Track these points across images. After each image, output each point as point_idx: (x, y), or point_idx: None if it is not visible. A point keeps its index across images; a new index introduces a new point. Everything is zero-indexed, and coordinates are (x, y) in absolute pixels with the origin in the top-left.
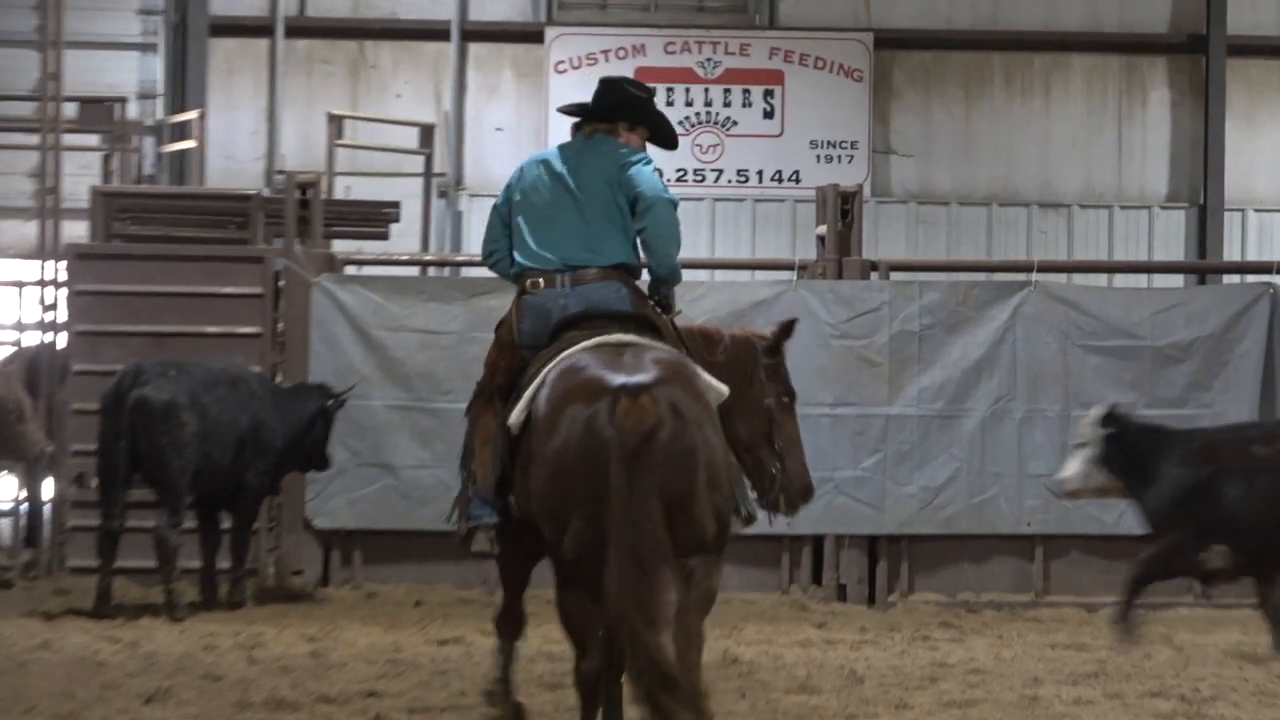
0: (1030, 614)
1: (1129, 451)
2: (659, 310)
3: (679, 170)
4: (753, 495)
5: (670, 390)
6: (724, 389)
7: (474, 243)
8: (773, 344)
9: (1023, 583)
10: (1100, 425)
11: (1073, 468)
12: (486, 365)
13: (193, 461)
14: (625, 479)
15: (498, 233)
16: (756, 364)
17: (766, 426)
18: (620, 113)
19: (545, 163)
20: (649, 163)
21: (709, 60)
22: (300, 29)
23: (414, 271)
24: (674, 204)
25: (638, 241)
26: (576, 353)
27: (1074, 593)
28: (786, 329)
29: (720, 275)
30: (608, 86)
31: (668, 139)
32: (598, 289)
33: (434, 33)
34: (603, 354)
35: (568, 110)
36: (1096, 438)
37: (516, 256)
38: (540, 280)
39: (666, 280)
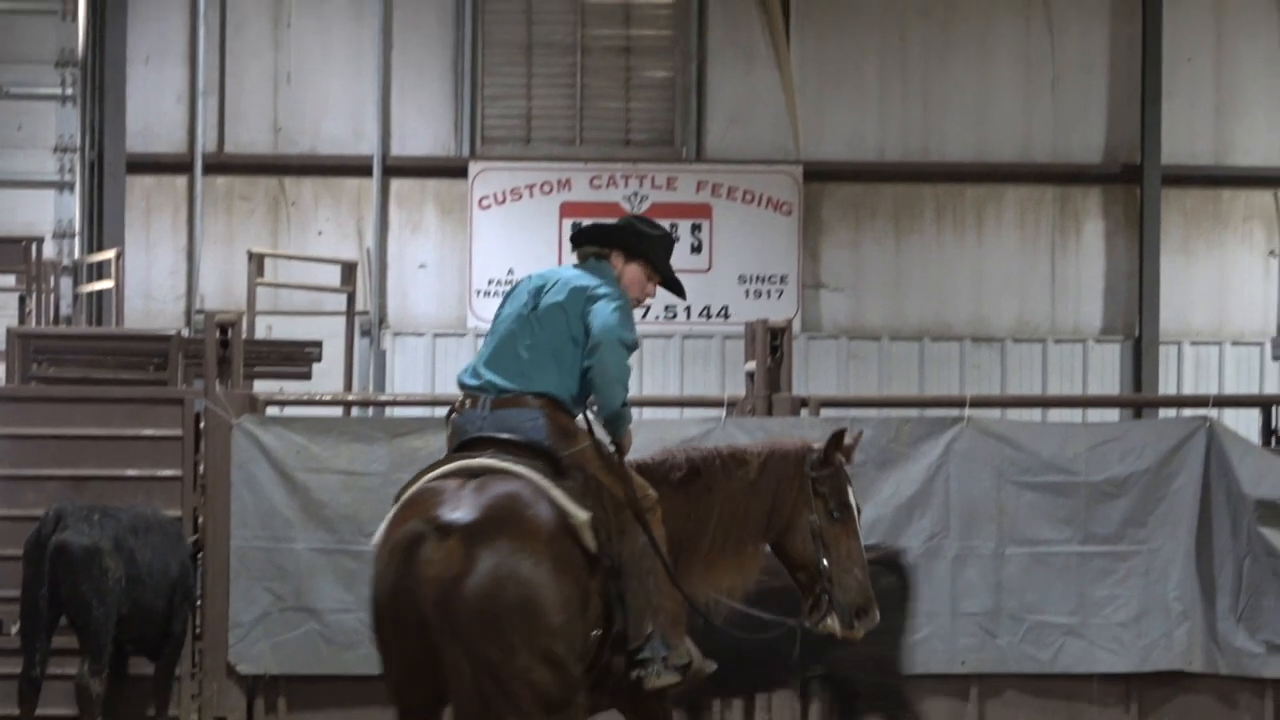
0: None
1: None
2: (596, 446)
3: None
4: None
5: (486, 532)
6: (580, 515)
7: (398, 382)
8: (823, 456)
9: None
10: None
11: None
12: None
13: (116, 608)
14: (434, 631)
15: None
16: (797, 479)
17: (811, 544)
18: (615, 240)
19: (532, 280)
20: (616, 298)
21: (635, 194)
22: (219, 166)
23: (337, 412)
24: (626, 345)
25: (584, 375)
26: (432, 478)
27: None
28: (836, 440)
29: (649, 412)
30: (625, 220)
31: (671, 282)
32: (512, 415)
33: (355, 168)
34: (448, 483)
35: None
36: None
37: (461, 375)
38: (468, 401)
39: (610, 422)
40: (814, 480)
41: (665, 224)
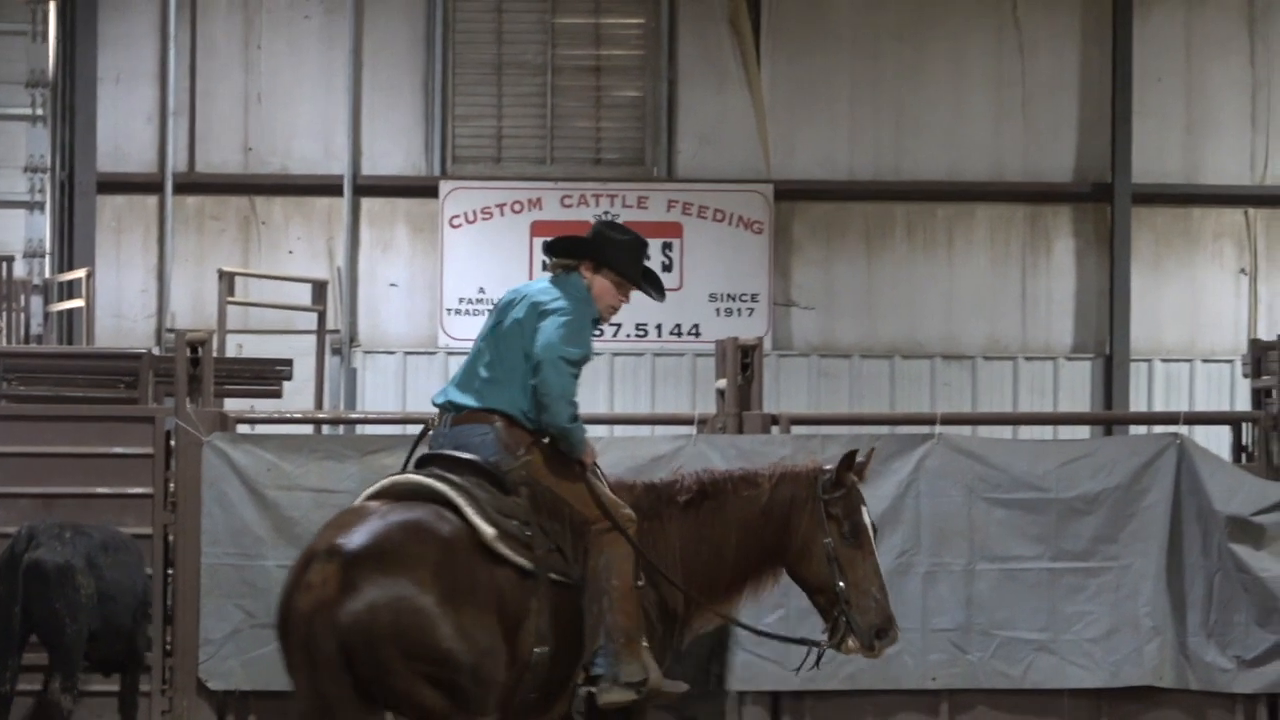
0: None
1: None
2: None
3: None
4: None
5: (367, 560)
6: (489, 531)
7: (368, 400)
8: (835, 478)
9: None
10: None
11: None
12: None
13: (87, 625)
14: (305, 654)
15: None
16: (810, 501)
17: (827, 567)
18: (583, 251)
19: (504, 297)
20: (566, 313)
21: (606, 213)
22: (190, 185)
23: (308, 430)
24: (569, 360)
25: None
26: (364, 498)
27: None
28: (847, 461)
29: (619, 430)
30: (594, 227)
31: (643, 286)
32: (466, 431)
33: (326, 188)
34: (370, 505)
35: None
36: None
37: (434, 395)
38: (438, 420)
39: (560, 439)
40: (826, 503)
41: None
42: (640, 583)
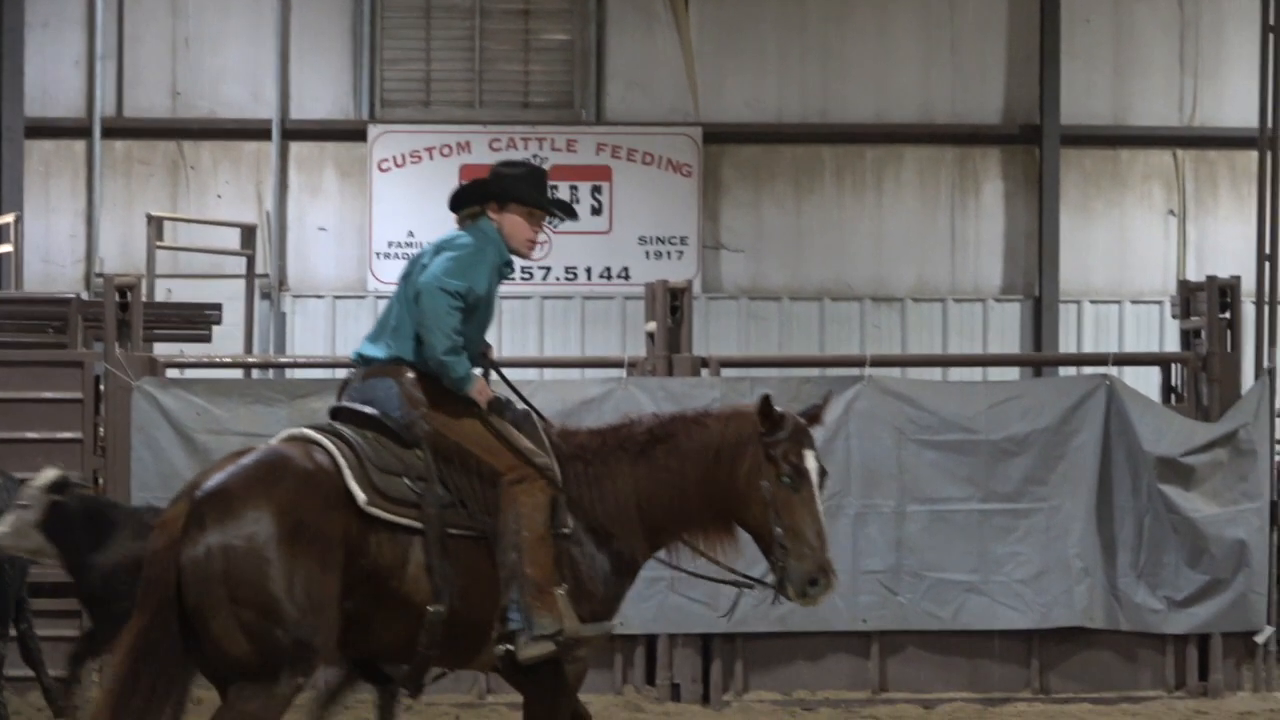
0: (867, 711)
1: (72, 521)
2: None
3: None
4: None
5: (215, 503)
6: (358, 494)
7: (298, 344)
8: (772, 421)
9: (859, 680)
10: (48, 490)
11: (6, 524)
12: None
13: (22, 570)
14: (147, 592)
15: None
16: (750, 443)
17: (763, 510)
18: (484, 193)
19: (425, 248)
20: (456, 249)
21: (535, 156)
22: (118, 130)
23: (237, 374)
24: (448, 291)
25: None
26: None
27: (911, 689)
28: (765, 406)
29: (549, 374)
30: (490, 172)
31: (560, 209)
32: (372, 385)
33: (254, 132)
34: (250, 452)
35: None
36: (42, 502)
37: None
38: (353, 374)
39: (440, 372)
40: (767, 445)
41: (565, 186)
42: (567, 530)
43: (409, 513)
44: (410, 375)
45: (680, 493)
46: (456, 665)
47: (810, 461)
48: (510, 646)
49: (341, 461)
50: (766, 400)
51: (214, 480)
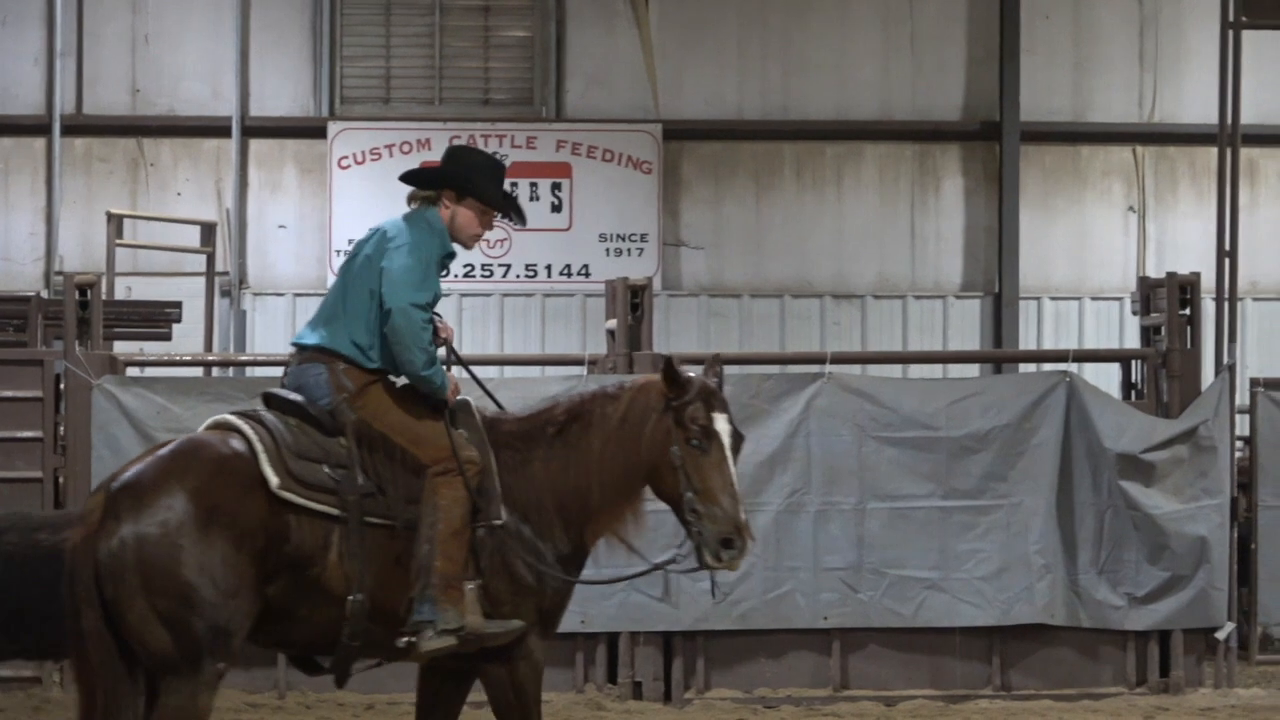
0: (828, 709)
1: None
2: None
3: (467, 266)
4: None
5: (130, 493)
6: (271, 477)
7: (258, 341)
8: (678, 385)
9: (820, 677)
10: None
11: None
12: None
13: None
14: (70, 587)
15: None
16: (657, 409)
17: (674, 476)
18: (443, 181)
19: (367, 233)
20: (407, 252)
21: (495, 153)
22: (78, 127)
23: (198, 372)
24: (418, 306)
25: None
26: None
27: (872, 686)
28: (668, 368)
29: (510, 371)
30: (448, 153)
31: (512, 210)
32: (303, 371)
33: (214, 129)
34: (170, 442)
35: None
36: None
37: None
38: (291, 360)
39: (418, 386)
40: (675, 409)
41: (525, 183)
42: (499, 521)
43: (326, 499)
44: (337, 364)
45: (594, 468)
46: (386, 657)
47: (721, 423)
48: (413, 639)
49: (258, 446)
50: (669, 363)
51: (129, 472)
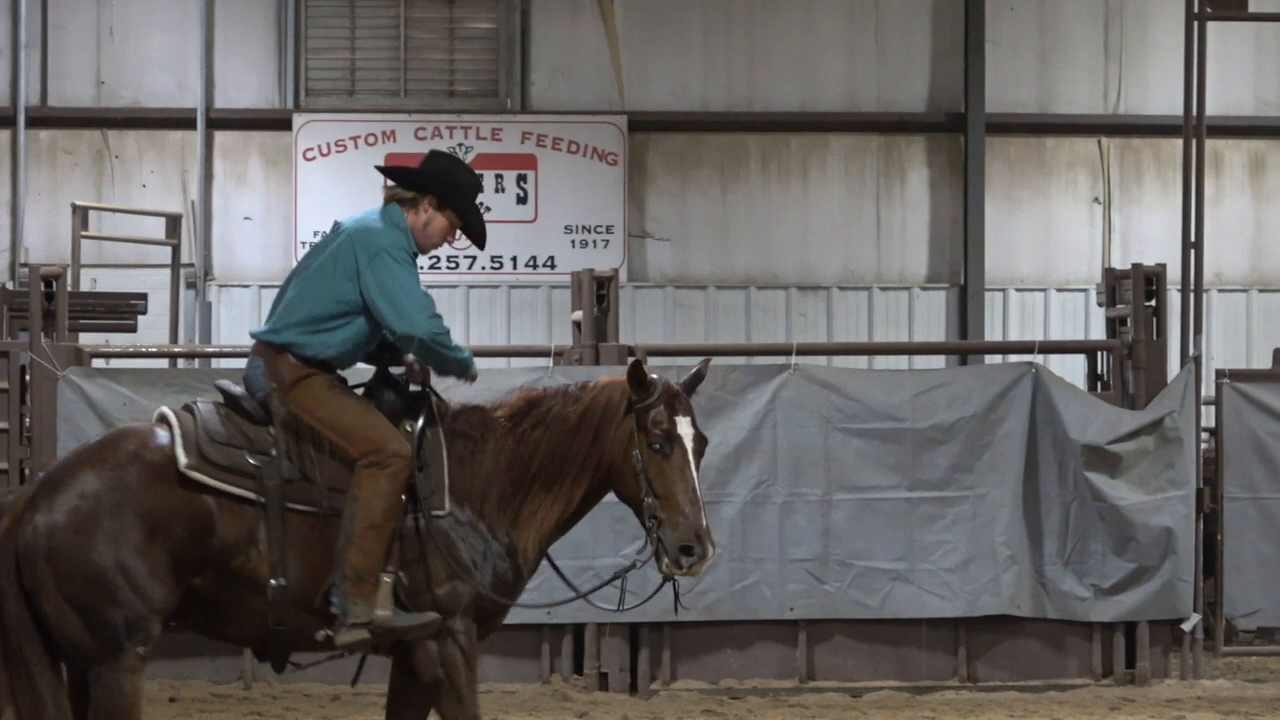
0: (794, 700)
1: None
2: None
3: (432, 258)
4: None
5: (52, 480)
6: (181, 457)
7: (224, 333)
8: (643, 387)
9: (786, 668)
10: None
11: None
12: None
13: None
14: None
15: None
16: (619, 412)
17: (635, 480)
18: (432, 188)
19: (333, 228)
20: (399, 264)
21: (460, 145)
22: (42, 119)
23: (163, 364)
24: (438, 333)
25: (332, 327)
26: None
27: (838, 678)
28: (635, 371)
29: (475, 363)
30: (433, 157)
31: (478, 233)
32: (252, 363)
33: (179, 121)
34: (106, 434)
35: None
36: None
37: None
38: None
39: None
40: (638, 412)
41: (490, 175)
42: (440, 513)
43: (243, 483)
44: (284, 356)
45: (525, 468)
46: (304, 645)
47: (684, 427)
48: (330, 631)
49: (177, 433)
50: (636, 365)
51: (55, 464)
